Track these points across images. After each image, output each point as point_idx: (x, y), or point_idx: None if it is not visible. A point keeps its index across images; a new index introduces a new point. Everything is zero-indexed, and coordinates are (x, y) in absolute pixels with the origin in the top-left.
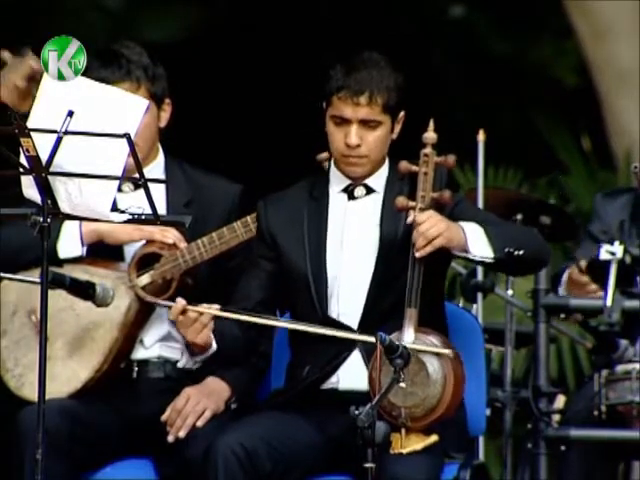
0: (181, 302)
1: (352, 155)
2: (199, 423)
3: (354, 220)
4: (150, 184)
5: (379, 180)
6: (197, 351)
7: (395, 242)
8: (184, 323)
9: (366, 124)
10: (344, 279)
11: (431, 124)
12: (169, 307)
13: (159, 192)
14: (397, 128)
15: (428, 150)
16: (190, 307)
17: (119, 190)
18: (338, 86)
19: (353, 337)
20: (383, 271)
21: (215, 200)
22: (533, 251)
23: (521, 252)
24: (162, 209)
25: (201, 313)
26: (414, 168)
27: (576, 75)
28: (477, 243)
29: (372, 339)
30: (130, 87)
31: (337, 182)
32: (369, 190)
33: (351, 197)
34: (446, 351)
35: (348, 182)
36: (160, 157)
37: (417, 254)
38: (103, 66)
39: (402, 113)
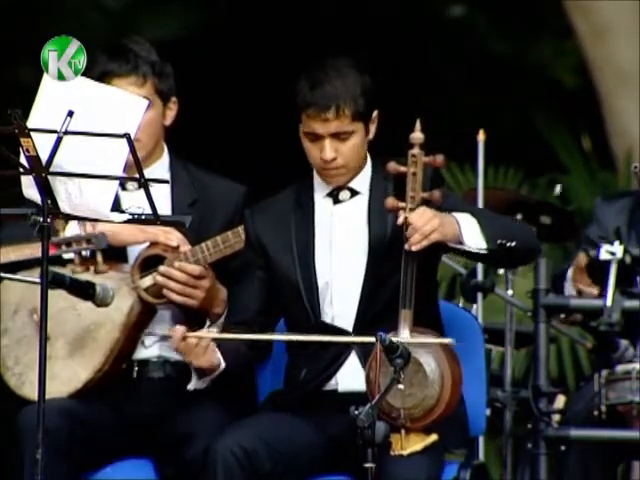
0: (180, 330)
1: (330, 168)
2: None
3: (341, 223)
4: (156, 183)
5: (363, 181)
6: (205, 372)
7: (385, 241)
8: (186, 350)
9: (338, 136)
10: (336, 282)
11: (417, 124)
12: (168, 337)
13: (164, 192)
14: (372, 128)
15: (416, 150)
16: (189, 334)
17: (123, 188)
18: (305, 103)
19: (352, 340)
20: (375, 271)
21: (220, 201)
22: (525, 243)
23: (513, 243)
24: (167, 208)
25: (200, 338)
26: (402, 169)
27: (576, 76)
28: (471, 234)
29: (371, 339)
30: (136, 81)
31: (321, 188)
32: (353, 192)
33: (336, 201)
34: (446, 340)
35: (332, 186)
36: (165, 157)
37: (413, 247)
38: (111, 59)
39: (375, 113)
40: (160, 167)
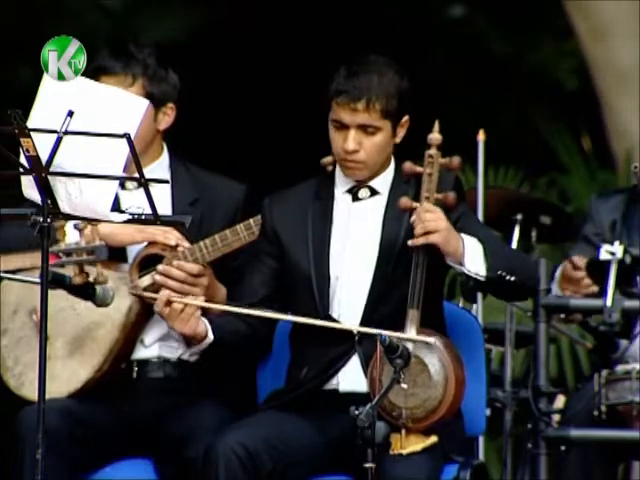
0: (165, 293)
1: (349, 160)
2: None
3: (357, 222)
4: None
5: (384, 182)
6: (192, 342)
7: (396, 245)
8: (170, 315)
9: (365, 129)
10: (346, 281)
11: (436, 125)
12: (154, 299)
13: (165, 191)
14: (401, 132)
15: (433, 151)
16: (175, 299)
17: (123, 187)
18: (337, 90)
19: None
20: (383, 273)
21: (220, 200)
22: (524, 279)
23: (512, 278)
24: (167, 208)
25: (186, 305)
26: (418, 169)
27: (576, 76)
28: (473, 259)
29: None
30: (124, 81)
31: (342, 183)
32: (373, 192)
33: (355, 198)
34: (430, 340)
35: (353, 183)
36: (164, 157)
37: (409, 242)
38: (109, 56)
39: (406, 117)
40: (158, 167)
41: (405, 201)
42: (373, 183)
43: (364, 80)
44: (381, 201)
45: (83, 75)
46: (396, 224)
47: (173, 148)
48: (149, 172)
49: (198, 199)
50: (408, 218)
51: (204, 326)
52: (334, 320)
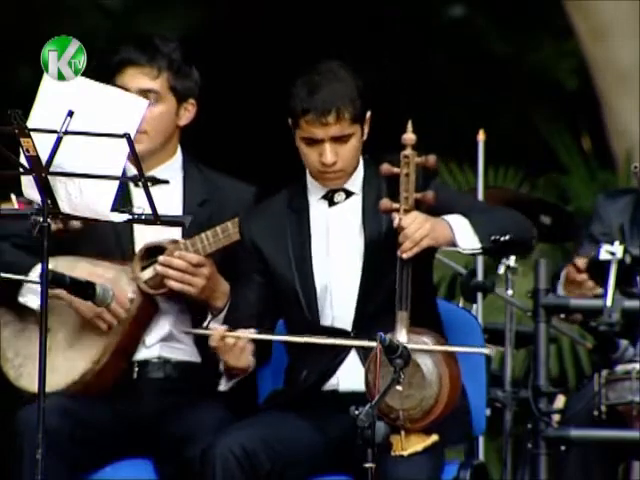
0: (220, 329)
1: (329, 172)
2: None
3: (338, 225)
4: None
5: (356, 182)
6: (236, 373)
7: (380, 240)
8: (223, 349)
9: (338, 139)
10: (335, 284)
11: (409, 125)
12: (207, 335)
13: (176, 191)
14: (366, 129)
15: (408, 151)
16: (228, 333)
17: (136, 185)
18: (303, 109)
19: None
20: (371, 270)
21: (230, 201)
22: (519, 232)
23: (507, 237)
24: (178, 208)
25: (239, 338)
26: (396, 170)
27: (576, 77)
28: (464, 236)
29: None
30: (150, 73)
31: (315, 190)
32: (348, 193)
33: (332, 203)
34: (485, 350)
35: (326, 189)
36: (177, 157)
37: (404, 255)
38: (134, 48)
39: (369, 114)
40: (170, 167)
41: (385, 203)
42: (347, 185)
43: (328, 92)
44: (357, 201)
45: (106, 69)
46: (376, 220)
47: (186, 149)
48: (161, 172)
49: (207, 200)
50: (387, 214)
51: (251, 357)
52: (326, 327)
